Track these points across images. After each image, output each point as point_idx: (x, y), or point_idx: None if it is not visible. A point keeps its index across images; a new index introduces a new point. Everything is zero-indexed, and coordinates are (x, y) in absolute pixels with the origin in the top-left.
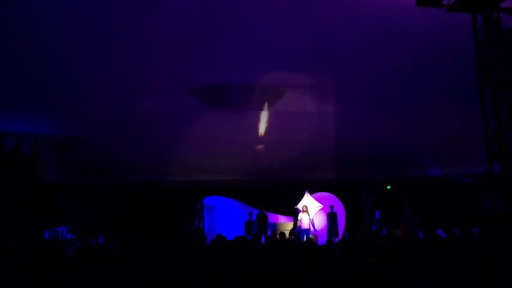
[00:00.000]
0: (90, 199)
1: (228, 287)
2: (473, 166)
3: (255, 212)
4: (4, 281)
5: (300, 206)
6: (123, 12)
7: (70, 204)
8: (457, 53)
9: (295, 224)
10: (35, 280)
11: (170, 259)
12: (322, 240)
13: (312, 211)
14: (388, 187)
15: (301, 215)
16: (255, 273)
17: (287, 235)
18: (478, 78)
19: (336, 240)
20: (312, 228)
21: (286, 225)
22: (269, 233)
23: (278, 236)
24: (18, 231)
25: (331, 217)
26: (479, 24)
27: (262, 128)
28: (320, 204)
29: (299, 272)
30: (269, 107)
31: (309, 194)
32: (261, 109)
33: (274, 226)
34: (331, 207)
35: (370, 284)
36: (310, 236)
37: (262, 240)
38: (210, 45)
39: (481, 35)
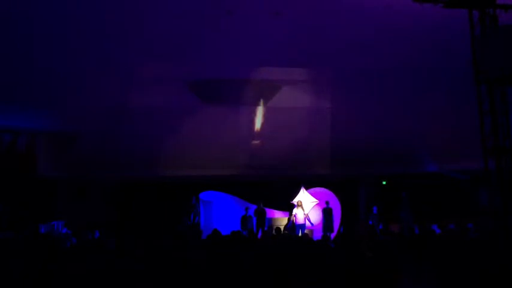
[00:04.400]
0: (87, 194)
1: (222, 282)
2: (470, 162)
3: (252, 207)
4: (3, 279)
5: (295, 201)
6: (120, 9)
7: (66, 199)
8: (455, 49)
9: (289, 219)
10: (33, 276)
11: (166, 254)
12: (317, 235)
13: (307, 206)
14: (384, 183)
15: (295, 210)
16: (250, 269)
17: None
18: (475, 75)
19: (332, 235)
20: (308, 223)
21: (282, 220)
22: (265, 228)
23: (274, 231)
24: (14, 227)
25: (327, 213)
26: (476, 21)
27: (258, 124)
28: (316, 200)
29: (295, 268)
30: (266, 102)
31: (304, 190)
32: (258, 104)
33: (270, 221)
34: (327, 203)
35: (367, 279)
36: (306, 231)
37: (259, 235)
38: (206, 42)
39: (478, 32)
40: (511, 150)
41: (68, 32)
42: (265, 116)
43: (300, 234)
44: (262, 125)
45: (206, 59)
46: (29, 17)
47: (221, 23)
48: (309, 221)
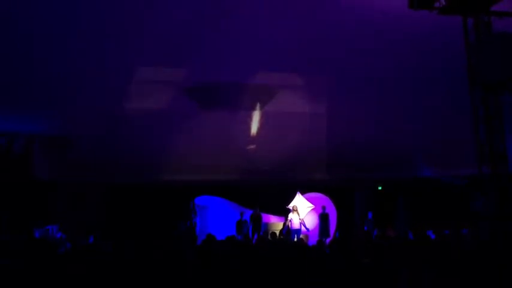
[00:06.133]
0: (83, 198)
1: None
2: (466, 167)
3: (247, 212)
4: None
5: (290, 206)
6: (120, 9)
7: (62, 203)
8: (451, 55)
9: (284, 224)
10: (31, 278)
11: (162, 258)
12: (313, 240)
13: (302, 211)
14: (380, 188)
15: (291, 215)
16: (243, 274)
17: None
18: (470, 80)
19: (327, 241)
20: (304, 228)
21: (277, 225)
22: (261, 233)
23: (269, 236)
24: (11, 230)
25: (323, 218)
26: (470, 27)
27: (254, 128)
28: (311, 205)
29: (289, 273)
30: (262, 106)
31: (300, 194)
32: (254, 109)
33: (266, 226)
34: (323, 208)
35: (363, 285)
36: (301, 236)
37: (255, 240)
38: (206, 42)
39: (472, 38)
40: (506, 156)
41: (65, 36)
42: (262, 120)
43: (295, 239)
44: (259, 129)
45: (206, 60)
46: (29, 17)
47: (221, 23)
48: (304, 226)
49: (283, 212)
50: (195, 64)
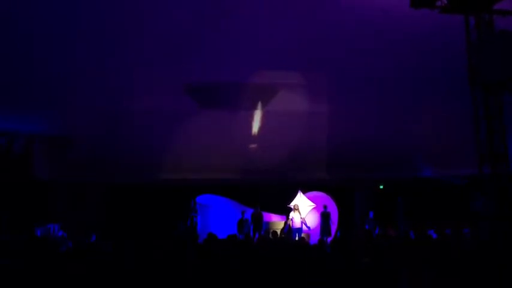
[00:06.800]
0: (83, 198)
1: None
2: (466, 167)
3: (248, 210)
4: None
5: (291, 205)
6: (120, 9)
7: (63, 202)
8: (451, 55)
9: (285, 223)
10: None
11: (162, 258)
12: (314, 239)
13: (304, 210)
14: (381, 187)
15: (292, 214)
16: (244, 274)
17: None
18: (470, 80)
19: (329, 240)
20: (305, 227)
21: (279, 224)
22: (262, 232)
23: (270, 235)
24: (11, 230)
25: (325, 217)
26: (472, 26)
27: (255, 128)
28: (313, 204)
29: (289, 273)
30: (264, 106)
31: (301, 193)
32: (256, 108)
33: (267, 225)
34: (325, 207)
35: (363, 284)
36: (302, 235)
37: (256, 239)
38: (206, 42)
39: (474, 37)
40: (506, 155)
41: (64, 36)
42: (263, 120)
43: (296, 238)
44: (260, 128)
45: (206, 60)
46: (29, 17)
47: (221, 23)
48: (306, 225)
49: (285, 211)
50: (195, 64)
